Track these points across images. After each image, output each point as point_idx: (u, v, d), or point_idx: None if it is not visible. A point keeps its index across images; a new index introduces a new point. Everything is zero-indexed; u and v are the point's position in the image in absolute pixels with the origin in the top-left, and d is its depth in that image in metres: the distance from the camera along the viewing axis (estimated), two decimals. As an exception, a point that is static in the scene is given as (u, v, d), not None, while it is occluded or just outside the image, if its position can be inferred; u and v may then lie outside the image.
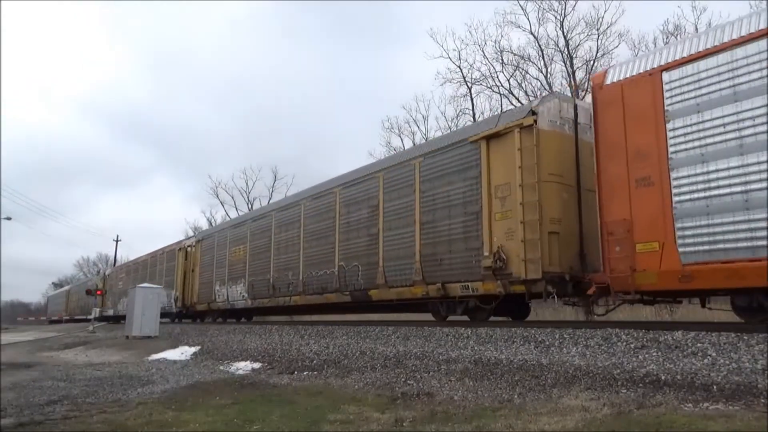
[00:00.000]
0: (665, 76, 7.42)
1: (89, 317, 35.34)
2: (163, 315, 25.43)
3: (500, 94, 27.94)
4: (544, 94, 15.32)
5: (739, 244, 6.49)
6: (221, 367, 10.17)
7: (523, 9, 30.14)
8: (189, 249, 23.88)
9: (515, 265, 9.17)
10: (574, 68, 25.76)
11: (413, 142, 31.63)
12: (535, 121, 9.22)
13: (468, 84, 28.61)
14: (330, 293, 13.72)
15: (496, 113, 10.94)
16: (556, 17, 26.19)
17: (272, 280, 16.35)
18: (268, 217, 17.55)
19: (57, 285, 78.47)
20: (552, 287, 8.68)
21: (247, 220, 19.31)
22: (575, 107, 9.77)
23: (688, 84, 7.18)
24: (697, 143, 7.00)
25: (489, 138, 9.98)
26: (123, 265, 35.77)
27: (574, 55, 25.97)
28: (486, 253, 9.62)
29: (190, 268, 23.30)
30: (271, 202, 18.25)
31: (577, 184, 9.33)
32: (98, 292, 31.14)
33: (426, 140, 28.34)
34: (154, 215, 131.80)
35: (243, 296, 18.23)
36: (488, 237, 9.65)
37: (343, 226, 13.53)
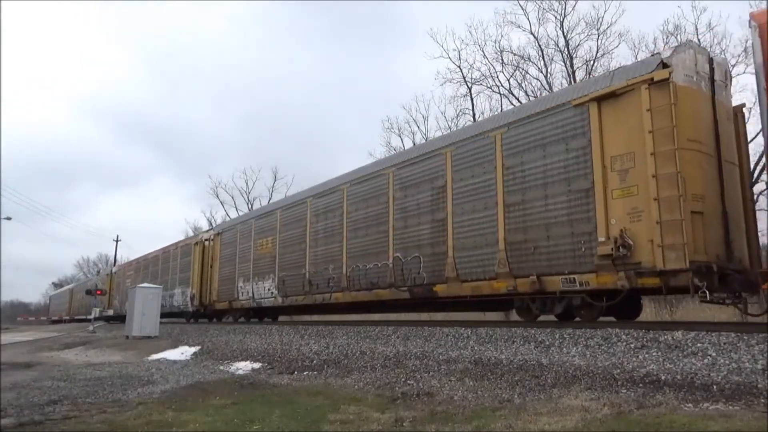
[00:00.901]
0: None
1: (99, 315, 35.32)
2: (177, 314, 24.57)
3: (500, 94, 27.91)
4: (675, 44, 12.00)
5: None
6: (221, 367, 10.17)
7: (523, 9, 30.11)
8: (207, 243, 21.88)
9: (645, 252, 7.57)
10: (574, 68, 25.74)
11: (413, 142, 31.60)
12: (670, 74, 7.66)
13: (468, 84, 28.58)
14: (382, 289, 11.96)
15: (608, 71, 9.40)
16: (556, 17, 26.16)
17: (308, 275, 14.57)
18: (302, 204, 15.53)
19: (57, 285, 78.43)
20: (700, 280, 7.13)
21: (276, 209, 17.18)
22: (710, 61, 8.21)
23: None
24: None
25: (601, 99, 8.35)
26: (132, 261, 33.24)
27: (574, 55, 25.94)
28: (602, 239, 7.98)
29: (208, 263, 21.35)
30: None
31: (717, 155, 7.83)
32: (98, 293, 31.00)
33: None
34: (154, 215, 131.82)
35: (272, 293, 16.36)
36: (604, 219, 8.03)
37: (398, 212, 11.81)
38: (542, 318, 9.70)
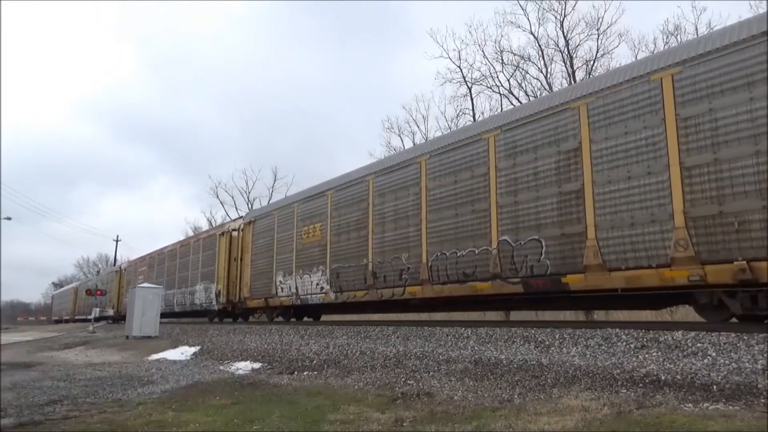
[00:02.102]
0: None
1: (100, 315, 34.77)
2: (199, 313, 22.89)
3: (500, 94, 27.89)
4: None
5: None
6: (221, 367, 10.17)
7: (523, 9, 30.19)
8: (234, 233, 19.60)
9: None
10: (574, 68, 25.74)
11: (413, 141, 31.62)
12: None
13: (468, 84, 28.56)
14: (482, 281, 9.75)
15: None
16: (556, 17, 26.15)
17: (371, 265, 12.27)
18: (361, 183, 13.15)
19: (57, 285, 78.41)
20: None
21: (327, 190, 14.61)
22: None
23: None
24: None
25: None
26: (144, 257, 30.64)
27: (574, 55, 25.92)
28: None
29: (236, 256, 18.99)
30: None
31: None
32: (98, 293, 30.96)
33: (428, 139, 28.21)
34: (154, 216, 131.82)
35: (321, 289, 14.05)
36: None
37: (504, 185, 9.59)
38: (542, 318, 9.59)
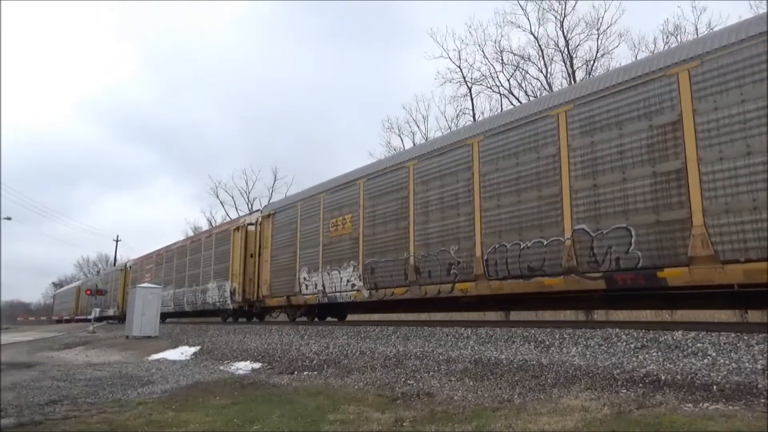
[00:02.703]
0: None
1: (103, 315, 34.38)
2: (212, 313, 21.69)
3: (500, 94, 27.95)
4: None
5: None
6: (221, 367, 10.17)
7: (523, 9, 30.30)
8: (251, 228, 18.54)
9: None
10: (574, 68, 25.76)
11: (413, 142, 31.63)
12: None
13: (468, 84, 28.61)
14: (551, 276, 8.61)
15: None
16: (556, 17, 26.22)
17: (413, 259, 11.12)
18: (400, 170, 11.93)
19: (57, 285, 78.39)
20: None
21: (358, 178, 13.31)
22: None
23: None
24: None
25: None
26: (151, 254, 29.53)
27: (574, 55, 25.98)
28: None
29: (254, 251, 17.94)
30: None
31: None
32: (98, 293, 30.94)
33: (425, 140, 28.15)
34: (154, 216, 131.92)
35: (352, 286, 12.93)
36: None
37: (578, 166, 8.39)
38: (543, 318, 9.54)
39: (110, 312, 34.12)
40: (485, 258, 9.69)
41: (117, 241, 59.39)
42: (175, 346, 14.36)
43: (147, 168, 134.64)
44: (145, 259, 30.10)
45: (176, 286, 23.95)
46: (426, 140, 13.59)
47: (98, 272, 62.21)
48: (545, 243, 8.80)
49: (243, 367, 9.95)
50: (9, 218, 44.51)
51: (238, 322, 19.40)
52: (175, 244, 26.84)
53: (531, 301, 10.30)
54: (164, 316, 27.02)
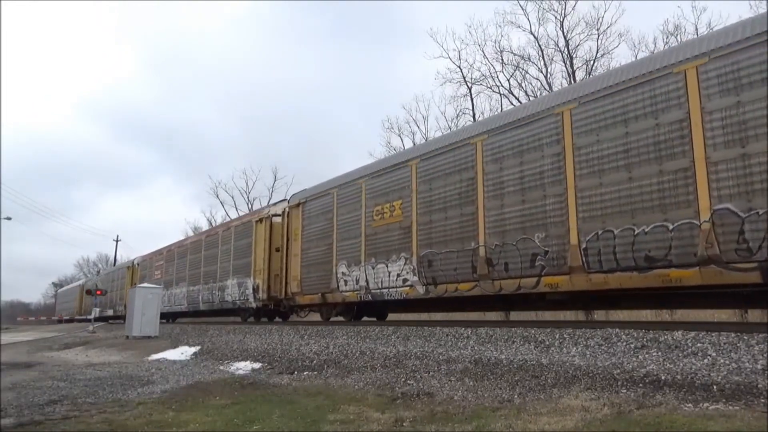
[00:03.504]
0: None
1: (108, 315, 33.62)
2: (231, 311, 20.26)
3: (500, 94, 27.95)
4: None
5: None
6: (221, 367, 10.17)
7: (523, 9, 30.27)
8: (276, 219, 17.03)
9: None
10: (574, 68, 25.76)
11: (413, 142, 31.64)
12: None
13: (468, 84, 28.62)
14: (680, 267, 7.21)
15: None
16: (556, 17, 26.21)
17: (484, 250, 9.67)
18: (465, 147, 10.38)
19: (57, 285, 78.39)
20: None
21: (410, 159, 11.76)
22: None
23: None
24: None
25: None
26: (162, 249, 27.93)
27: (574, 55, 25.98)
28: None
29: (280, 244, 16.37)
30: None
31: None
32: (98, 293, 30.92)
33: (426, 140, 28.10)
34: (155, 216, 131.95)
35: (404, 281, 11.41)
36: None
37: (717, 132, 6.95)
38: (542, 318, 9.39)
39: (110, 312, 33.76)
40: (584, 247, 8.23)
41: (117, 241, 59.44)
42: (175, 346, 14.36)
43: (147, 168, 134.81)
44: (155, 256, 28.50)
45: (190, 283, 22.75)
46: (496, 114, 12.03)
47: (98, 272, 62.13)
48: (671, 227, 7.32)
49: (243, 367, 9.94)
50: (9, 218, 44.53)
51: (260, 322, 18.09)
52: (188, 239, 25.54)
53: (650, 298, 8.66)
54: (176, 316, 26.18)
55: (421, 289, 11.00)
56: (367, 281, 12.46)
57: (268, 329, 13.98)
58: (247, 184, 49.96)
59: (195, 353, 12.89)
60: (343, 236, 13.41)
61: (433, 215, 10.89)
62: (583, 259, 8.25)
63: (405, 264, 11.45)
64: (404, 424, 4.87)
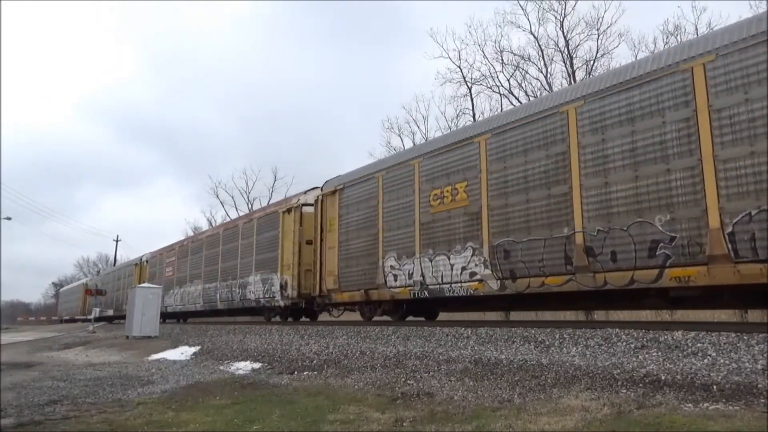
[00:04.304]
0: None
1: (114, 315, 33.55)
2: (253, 311, 18.87)
3: (500, 94, 27.93)
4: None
5: None
6: (221, 367, 10.17)
7: (523, 9, 30.25)
8: (307, 209, 15.56)
9: None
10: (574, 68, 25.75)
11: (413, 142, 31.63)
12: None
13: (468, 84, 28.59)
14: None
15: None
16: (556, 17, 26.18)
17: (584, 237, 8.18)
18: (552, 117, 8.90)
19: (57, 285, 78.36)
20: None
21: (478, 135, 10.21)
22: None
23: None
24: None
25: None
26: (173, 245, 26.30)
27: (574, 55, 25.96)
28: None
29: (313, 236, 14.82)
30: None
31: None
32: (98, 293, 30.94)
33: (426, 140, 28.06)
34: (155, 216, 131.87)
35: (472, 274, 9.88)
36: None
37: None
38: (542, 318, 9.20)
39: (109, 312, 33.47)
40: (730, 231, 6.68)
41: (117, 241, 59.37)
42: (175, 346, 14.36)
43: (147, 168, 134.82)
44: (166, 252, 26.71)
45: (206, 280, 21.32)
46: (595, 76, 10.26)
47: (98, 272, 62.02)
48: None
49: (243, 367, 9.95)
50: (9, 218, 44.52)
51: (286, 322, 16.58)
52: (203, 232, 24.10)
53: None
54: (189, 315, 25.10)
55: (493, 284, 9.49)
56: (423, 275, 10.93)
57: (268, 329, 13.98)
58: (247, 184, 50.00)
59: (195, 353, 12.89)
60: (392, 225, 11.93)
61: (509, 198, 9.40)
62: (730, 246, 6.68)
63: (473, 255, 9.93)
64: (404, 424, 4.87)
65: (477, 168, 10.10)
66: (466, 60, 38.58)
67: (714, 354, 5.60)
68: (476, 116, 28.05)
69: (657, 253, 7.43)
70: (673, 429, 3.95)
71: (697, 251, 7.04)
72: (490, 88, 28.23)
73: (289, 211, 16.18)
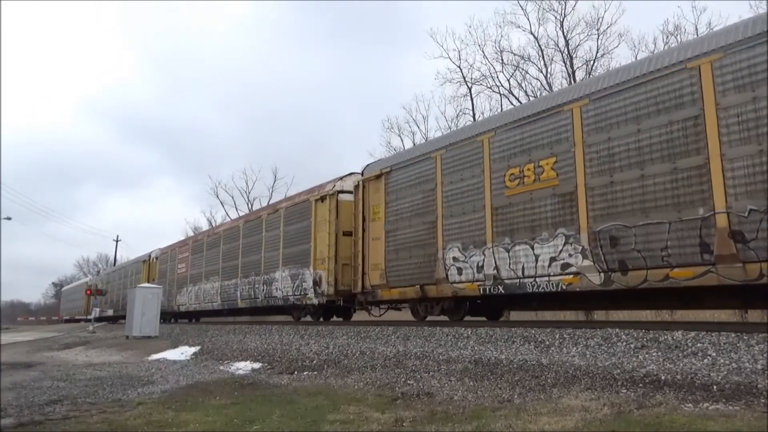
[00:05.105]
0: None
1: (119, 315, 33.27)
2: (281, 309, 17.40)
3: (500, 94, 27.95)
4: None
5: None
6: (221, 367, 10.17)
7: (523, 9, 30.21)
8: (345, 196, 14.09)
9: None
10: (574, 68, 25.76)
11: (413, 142, 31.63)
12: None
13: (468, 84, 28.60)
14: None
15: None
16: (556, 17, 26.18)
17: (728, 218, 6.75)
18: (676, 74, 7.45)
19: (57, 285, 78.35)
20: None
21: (570, 102, 8.67)
22: None
23: None
24: None
25: None
26: (186, 240, 25.09)
27: (574, 55, 25.98)
28: None
29: (353, 227, 13.33)
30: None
31: None
32: (98, 293, 30.90)
33: (426, 140, 28.03)
34: (155, 216, 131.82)
35: (565, 266, 8.42)
36: None
37: None
38: (542, 318, 8.97)
39: (109, 312, 33.57)
40: None
41: (117, 241, 59.28)
42: (175, 346, 14.36)
43: (147, 168, 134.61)
44: (178, 247, 25.08)
45: (224, 277, 19.84)
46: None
47: (98, 272, 61.92)
48: None
49: (243, 367, 9.95)
50: (9, 218, 44.49)
51: (319, 321, 15.18)
52: (220, 225, 22.66)
53: None
54: (204, 315, 23.65)
55: (596, 278, 8.04)
56: (496, 268, 9.47)
57: (268, 329, 13.99)
58: (247, 184, 49.89)
59: (195, 353, 12.89)
60: (454, 211, 10.41)
61: (615, 174, 7.95)
62: None
63: (565, 244, 8.50)
64: (404, 424, 4.87)
65: (569, 141, 8.56)
66: (466, 60, 38.55)
67: (714, 354, 5.61)
68: (476, 116, 28.07)
69: None
70: (673, 429, 3.95)
71: None
72: (490, 88, 28.26)
73: (322, 199, 14.52)
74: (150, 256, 28.75)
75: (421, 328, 9.80)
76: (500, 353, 7.39)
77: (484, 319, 11.63)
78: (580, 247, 8.28)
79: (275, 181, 47.06)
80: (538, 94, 25.56)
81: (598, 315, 15.24)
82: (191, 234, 41.29)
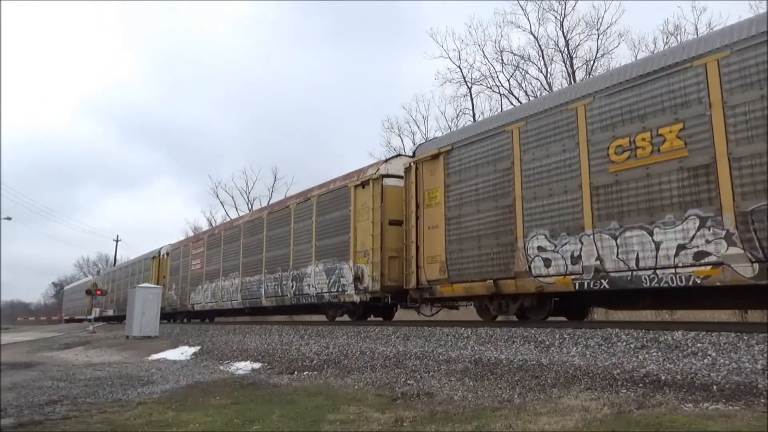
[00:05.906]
0: None
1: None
2: (313, 308, 15.70)
3: (500, 94, 27.95)
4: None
5: None
6: (221, 367, 10.17)
7: (523, 9, 30.26)
8: (391, 181, 12.67)
9: None
10: (574, 68, 25.76)
11: (413, 142, 31.62)
12: None
13: (468, 84, 28.60)
14: None
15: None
16: (556, 17, 26.19)
17: None
18: None
19: (57, 285, 78.31)
20: None
21: (696, 57, 7.16)
22: None
23: None
24: None
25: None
26: (200, 234, 23.76)
27: (574, 55, 25.98)
28: None
29: (404, 214, 11.87)
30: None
31: None
32: (98, 293, 30.88)
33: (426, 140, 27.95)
34: (155, 216, 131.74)
35: (698, 256, 6.84)
36: None
37: None
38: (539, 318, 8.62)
39: (110, 312, 33.52)
40: None
41: (117, 241, 59.26)
42: (175, 346, 14.36)
43: (148, 168, 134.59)
44: (192, 243, 23.61)
45: (245, 273, 18.22)
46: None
47: (98, 272, 61.84)
48: None
49: (243, 367, 9.95)
50: (9, 218, 44.49)
51: (358, 321, 13.45)
52: (240, 218, 21.13)
53: None
54: (220, 314, 22.05)
55: (746, 270, 6.48)
56: (599, 259, 7.96)
57: (268, 329, 13.98)
58: (247, 184, 49.85)
59: (195, 353, 12.89)
60: (538, 192, 8.93)
61: None
62: None
63: (699, 228, 6.94)
64: (404, 424, 4.87)
65: (703, 103, 7.03)
66: (466, 60, 38.58)
67: (714, 354, 5.60)
68: (476, 116, 28.06)
69: None
70: (673, 429, 3.95)
71: None
72: (490, 88, 28.26)
73: (363, 184, 12.99)
74: (160, 252, 26.91)
75: (421, 328, 9.80)
76: (500, 353, 7.39)
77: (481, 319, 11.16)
78: (723, 231, 6.70)
79: (275, 181, 47.01)
80: (538, 94, 25.57)
81: (598, 315, 15.22)
82: (191, 234, 41.24)
